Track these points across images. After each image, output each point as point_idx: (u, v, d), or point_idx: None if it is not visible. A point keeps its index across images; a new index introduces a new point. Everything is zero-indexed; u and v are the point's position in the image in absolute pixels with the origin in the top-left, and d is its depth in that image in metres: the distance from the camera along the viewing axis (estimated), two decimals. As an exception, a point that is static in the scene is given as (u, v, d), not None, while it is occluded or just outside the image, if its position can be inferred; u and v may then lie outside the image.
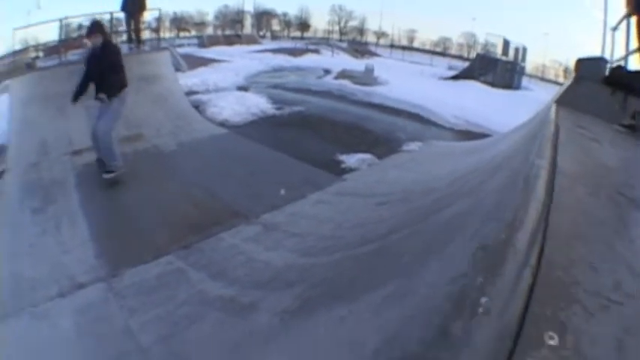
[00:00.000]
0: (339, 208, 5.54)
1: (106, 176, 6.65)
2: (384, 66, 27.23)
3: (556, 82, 40.47)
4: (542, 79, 46.06)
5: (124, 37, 14.89)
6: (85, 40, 7.21)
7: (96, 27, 6.96)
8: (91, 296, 4.12)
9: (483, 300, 1.87)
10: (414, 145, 9.29)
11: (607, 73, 6.17)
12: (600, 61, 6.63)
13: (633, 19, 5.86)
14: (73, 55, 15.65)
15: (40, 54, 20.28)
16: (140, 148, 8.26)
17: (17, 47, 17.88)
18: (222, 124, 10.20)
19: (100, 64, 6.73)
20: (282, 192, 6.03)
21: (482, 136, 10.76)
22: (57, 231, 5.44)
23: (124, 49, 13.75)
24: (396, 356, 2.10)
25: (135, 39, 14.42)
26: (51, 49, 19.69)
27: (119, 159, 6.84)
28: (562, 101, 5.83)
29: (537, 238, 2.18)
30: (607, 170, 3.44)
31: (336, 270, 3.47)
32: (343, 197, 5.95)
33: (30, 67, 16.26)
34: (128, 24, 14.67)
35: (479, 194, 3.56)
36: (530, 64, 41.19)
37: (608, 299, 1.85)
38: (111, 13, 13.63)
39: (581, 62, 6.73)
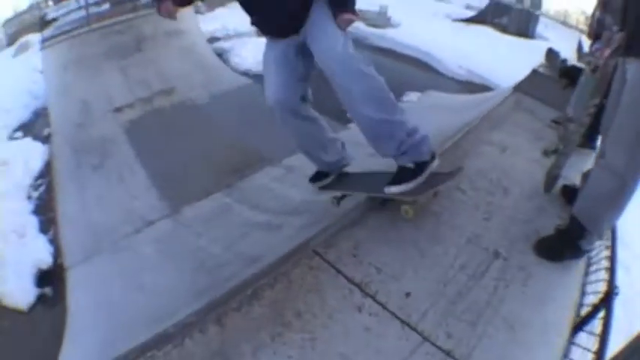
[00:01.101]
0: None
1: (396, 189, 3.42)
2: (399, 3, 27.25)
3: (577, 29, 39.07)
4: (564, 24, 44.48)
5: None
6: None
7: None
8: (162, 229, 5.34)
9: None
10: (413, 96, 10.07)
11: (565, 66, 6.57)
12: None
13: None
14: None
15: (50, 2, 20.49)
16: (176, 102, 9.12)
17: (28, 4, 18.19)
18: (246, 73, 10.97)
19: None
20: None
21: (482, 88, 11.51)
22: (119, 182, 6.52)
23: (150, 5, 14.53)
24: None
25: None
26: None
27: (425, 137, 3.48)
28: (520, 88, 6.61)
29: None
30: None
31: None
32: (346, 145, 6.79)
33: (42, 20, 16.68)
34: None
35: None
36: (553, 9, 40.10)
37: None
38: None
39: (550, 53, 7.44)
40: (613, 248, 3.56)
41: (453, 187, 4.00)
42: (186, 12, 12.92)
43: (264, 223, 4.88)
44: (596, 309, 3.04)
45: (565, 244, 3.33)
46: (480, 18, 25.17)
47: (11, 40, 19.28)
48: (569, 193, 4.00)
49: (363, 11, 21.50)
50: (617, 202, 3.09)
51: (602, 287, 3.22)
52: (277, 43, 3.60)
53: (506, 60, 14.21)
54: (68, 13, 15.79)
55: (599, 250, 3.59)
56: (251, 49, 12.64)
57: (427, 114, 8.30)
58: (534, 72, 6.96)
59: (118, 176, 6.68)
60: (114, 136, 7.90)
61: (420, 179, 3.38)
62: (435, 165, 3.48)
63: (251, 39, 14.35)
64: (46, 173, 7.17)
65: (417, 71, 13.06)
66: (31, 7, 18.58)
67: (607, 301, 3.04)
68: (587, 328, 2.94)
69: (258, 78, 10.41)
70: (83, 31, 11.46)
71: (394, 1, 25.13)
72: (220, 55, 12.25)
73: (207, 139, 7.30)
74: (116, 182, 6.55)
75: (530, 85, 6.60)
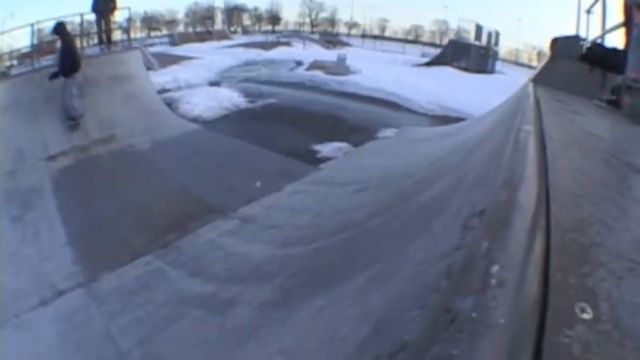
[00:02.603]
0: (315, 197, 5.54)
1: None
2: (357, 55, 27.34)
3: (529, 66, 41.16)
4: (516, 63, 46.45)
5: (96, 38, 14.91)
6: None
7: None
8: (71, 303, 4.17)
9: (495, 269, 1.60)
10: (389, 132, 9.32)
11: (584, 50, 6.06)
12: (576, 39, 6.58)
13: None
14: (47, 60, 15.57)
15: (15, 62, 20.15)
16: (114, 149, 8.30)
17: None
18: (195, 119, 10.23)
19: None
20: (258, 184, 6.01)
21: (458, 120, 10.74)
22: (36, 238, 5.51)
23: (95, 50, 13.79)
24: (385, 347, 1.87)
25: (106, 39, 14.37)
26: (24, 56, 19.47)
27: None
28: (539, 79, 5.79)
29: (540, 197, 1.98)
30: (596, 138, 3.29)
31: (315, 259, 3.47)
32: (320, 186, 5.94)
33: (4, 75, 16.06)
34: (99, 24, 14.50)
35: (461, 170, 3.47)
36: (504, 48, 41.66)
37: (632, 261, 1.67)
38: (81, 15, 13.60)
39: (556, 41, 6.63)
40: None
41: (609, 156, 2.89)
42: (131, 54, 12.33)
43: (206, 297, 3.57)
44: None
45: None
46: (439, 60, 25.37)
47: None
48: None
49: (321, 61, 21.40)
50: None
51: None
52: None
53: (473, 93, 14.10)
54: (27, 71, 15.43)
55: None
56: (202, 97, 12.15)
57: (409, 145, 7.69)
58: (553, 58, 6.23)
59: (34, 231, 5.64)
60: (40, 185, 7.03)
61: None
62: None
63: (203, 88, 14.02)
64: (-34, 222, 6.32)
65: (387, 110, 12.23)
66: (-5, 59, 18.19)
67: None
68: None
69: (208, 124, 9.86)
70: (25, 72, 11.14)
71: (350, 54, 25.31)
72: (169, 104, 11.49)
73: (145, 189, 6.32)
74: (31, 238, 5.50)
75: (550, 75, 5.88)
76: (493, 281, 1.41)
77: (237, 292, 3.45)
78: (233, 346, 2.61)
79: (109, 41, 14.23)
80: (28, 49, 17.73)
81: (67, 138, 8.71)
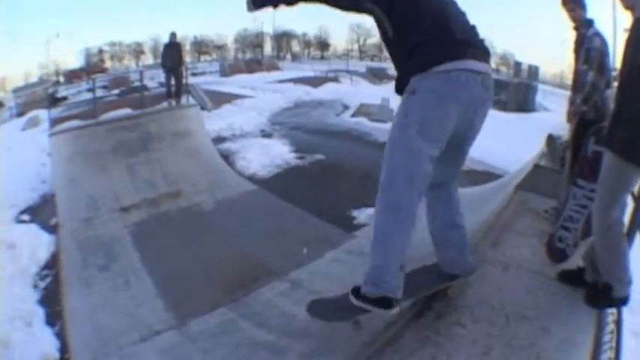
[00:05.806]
0: (347, 266, 6.41)
1: None
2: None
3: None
4: (561, 86, 44.99)
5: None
6: None
7: None
8: (168, 340, 5.20)
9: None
10: None
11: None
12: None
13: None
14: (99, 79, 16.50)
15: (61, 79, 21.34)
16: (182, 206, 9.44)
17: (39, 75, 18.93)
18: (251, 177, 11.20)
19: None
20: (305, 251, 6.98)
21: (485, 175, 11.24)
22: (126, 287, 6.58)
23: (164, 104, 14.98)
24: None
25: (174, 94, 15.39)
26: (71, 74, 20.67)
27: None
28: (522, 186, 6.33)
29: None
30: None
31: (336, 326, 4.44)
32: (351, 256, 6.79)
33: (53, 96, 16.95)
34: (168, 79, 15.61)
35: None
36: (549, 72, 40.41)
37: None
38: (140, 72, 14.35)
39: (549, 139, 7.20)
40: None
41: (454, 323, 3.69)
42: (192, 110, 13.33)
43: (269, 345, 4.72)
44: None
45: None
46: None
47: (21, 111, 20.20)
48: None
49: (366, 105, 22.35)
50: None
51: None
52: None
53: (508, 140, 14.47)
54: (78, 93, 16.09)
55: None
56: (257, 153, 13.08)
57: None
58: (536, 167, 6.75)
59: (124, 280, 6.77)
60: (120, 237, 8.11)
61: None
62: None
63: (256, 140, 14.87)
64: (52, 265, 7.30)
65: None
66: (41, 81, 19.34)
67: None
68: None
69: (263, 183, 10.81)
70: (90, 124, 12.14)
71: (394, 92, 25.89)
72: (227, 157, 12.63)
73: (214, 249, 7.44)
74: (122, 286, 6.64)
75: (532, 182, 6.32)
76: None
77: (289, 343, 4.61)
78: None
79: (179, 95, 15.20)
80: (75, 68, 19.02)
81: (137, 190, 9.85)
